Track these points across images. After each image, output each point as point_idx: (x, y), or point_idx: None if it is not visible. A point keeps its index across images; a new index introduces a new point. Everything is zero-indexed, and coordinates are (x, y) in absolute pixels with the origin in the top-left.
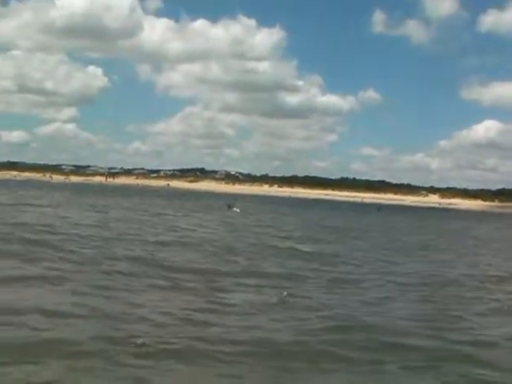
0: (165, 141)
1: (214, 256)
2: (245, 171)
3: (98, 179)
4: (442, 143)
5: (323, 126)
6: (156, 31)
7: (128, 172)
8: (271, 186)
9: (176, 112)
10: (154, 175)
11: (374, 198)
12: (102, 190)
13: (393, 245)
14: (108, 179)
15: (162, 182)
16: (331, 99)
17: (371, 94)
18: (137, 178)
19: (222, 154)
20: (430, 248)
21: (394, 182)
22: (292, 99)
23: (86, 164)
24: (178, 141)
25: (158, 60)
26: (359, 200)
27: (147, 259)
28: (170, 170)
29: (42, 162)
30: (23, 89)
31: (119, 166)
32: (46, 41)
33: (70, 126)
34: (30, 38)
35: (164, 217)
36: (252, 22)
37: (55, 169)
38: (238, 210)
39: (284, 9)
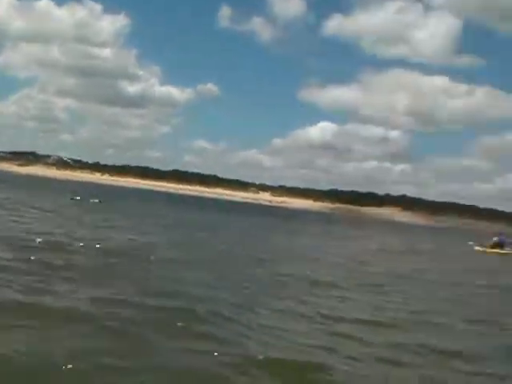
0: None
1: None
2: (78, 157)
3: None
4: (277, 141)
5: (159, 116)
6: None
7: None
8: (103, 174)
9: (12, 93)
10: None
11: (205, 191)
12: None
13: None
14: None
15: None
16: (170, 90)
17: (210, 88)
18: None
19: (56, 138)
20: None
21: (227, 177)
22: (131, 88)
23: None
24: (11, 123)
25: None
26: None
27: None
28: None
29: None
30: None
31: None
32: None
33: None
34: None
35: None
36: (98, 7)
37: None
38: None
39: None
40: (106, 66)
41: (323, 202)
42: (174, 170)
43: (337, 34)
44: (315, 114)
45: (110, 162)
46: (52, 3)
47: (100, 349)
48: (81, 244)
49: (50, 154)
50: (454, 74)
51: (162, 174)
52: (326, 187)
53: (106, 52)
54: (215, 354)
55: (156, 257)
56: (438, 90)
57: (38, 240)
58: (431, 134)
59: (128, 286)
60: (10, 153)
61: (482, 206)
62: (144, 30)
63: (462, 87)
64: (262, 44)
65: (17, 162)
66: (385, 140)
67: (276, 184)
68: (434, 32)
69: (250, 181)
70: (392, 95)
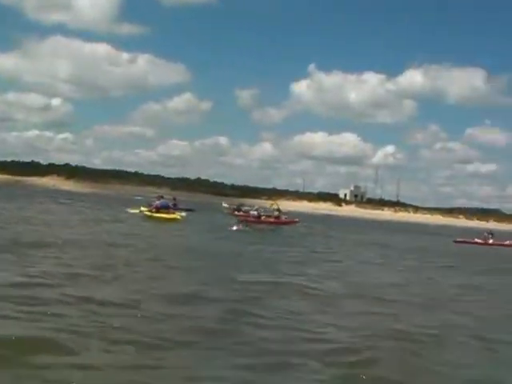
0: None
1: None
2: None
3: None
4: None
5: None
6: None
7: None
8: None
9: None
10: None
11: None
12: None
13: None
14: None
15: None
16: None
17: None
18: None
19: None
20: None
21: None
22: None
23: None
24: None
25: None
26: None
27: None
28: None
29: None
30: None
31: None
32: None
33: None
34: None
35: None
36: None
37: None
38: None
39: None
40: None
41: None
42: None
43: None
44: None
45: None
46: None
47: None
48: None
49: None
50: (117, 41)
51: None
52: None
53: None
54: None
55: None
56: (100, 58)
57: None
58: (95, 102)
59: None
60: None
61: (146, 172)
62: None
63: (125, 55)
64: None
65: None
66: (47, 108)
67: None
68: None
69: None
70: (54, 62)
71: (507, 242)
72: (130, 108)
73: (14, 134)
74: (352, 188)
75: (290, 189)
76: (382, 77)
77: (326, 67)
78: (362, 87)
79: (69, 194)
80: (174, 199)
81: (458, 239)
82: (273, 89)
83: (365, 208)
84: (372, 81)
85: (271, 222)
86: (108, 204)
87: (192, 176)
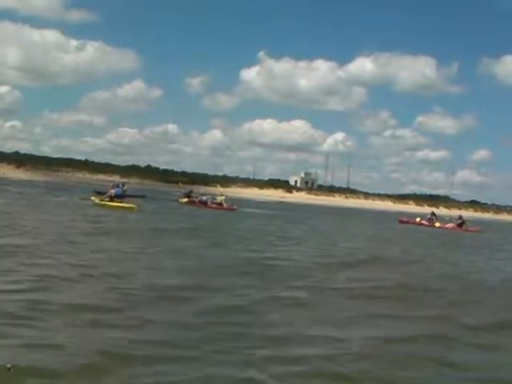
0: None
1: None
2: None
3: None
4: None
5: None
6: None
7: None
8: None
9: None
10: None
11: None
12: None
13: None
14: None
15: None
16: None
17: None
18: None
19: None
20: None
21: None
22: None
23: None
24: None
25: None
26: None
27: None
28: None
29: None
30: None
31: None
32: None
33: None
34: None
35: None
36: None
37: None
38: None
39: None
40: None
41: None
42: None
43: None
44: None
45: None
46: None
47: None
48: None
49: None
50: (66, 28)
51: None
52: None
53: None
54: None
55: None
56: (49, 45)
57: None
58: (44, 89)
59: None
60: None
61: (96, 160)
62: None
63: (74, 42)
64: None
65: None
66: None
67: None
68: None
69: None
70: (2, 49)
71: (448, 225)
72: (80, 95)
73: None
74: (302, 175)
75: (241, 176)
76: (332, 64)
77: (276, 54)
78: (312, 74)
79: (20, 183)
80: (123, 185)
81: (403, 219)
82: (223, 76)
83: (316, 195)
84: (322, 68)
85: (214, 208)
86: (61, 192)
87: (142, 164)
